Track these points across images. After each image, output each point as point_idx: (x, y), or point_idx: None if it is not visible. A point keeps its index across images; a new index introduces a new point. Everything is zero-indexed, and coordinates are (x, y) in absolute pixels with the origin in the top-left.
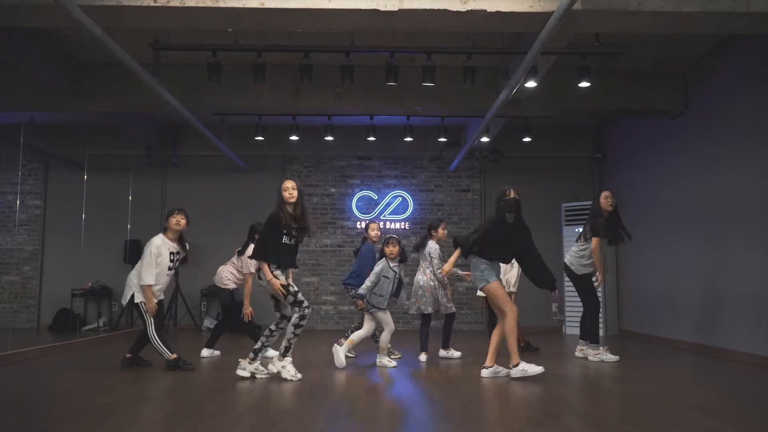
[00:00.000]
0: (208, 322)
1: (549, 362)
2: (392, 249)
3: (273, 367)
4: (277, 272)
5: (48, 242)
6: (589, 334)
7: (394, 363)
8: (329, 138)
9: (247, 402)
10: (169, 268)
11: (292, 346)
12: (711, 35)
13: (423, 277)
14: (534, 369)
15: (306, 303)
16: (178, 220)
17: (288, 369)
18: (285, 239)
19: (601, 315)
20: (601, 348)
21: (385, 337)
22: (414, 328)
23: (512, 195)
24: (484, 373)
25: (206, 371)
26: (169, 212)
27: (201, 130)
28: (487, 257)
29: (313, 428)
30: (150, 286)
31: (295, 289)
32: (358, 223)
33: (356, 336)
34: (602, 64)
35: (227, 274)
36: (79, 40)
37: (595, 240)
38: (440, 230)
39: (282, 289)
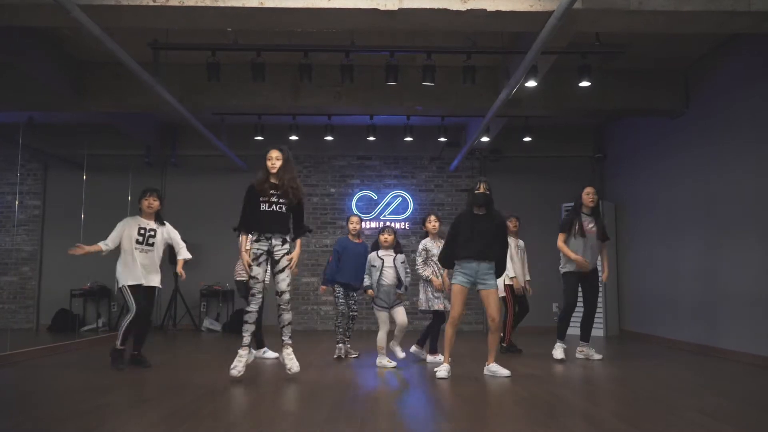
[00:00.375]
0: (208, 323)
1: (550, 363)
2: (386, 237)
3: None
4: (255, 244)
5: (47, 242)
6: (558, 328)
7: (393, 363)
8: (329, 138)
9: (246, 403)
10: (138, 242)
11: (244, 336)
12: (712, 35)
13: None
14: (441, 373)
15: (255, 300)
16: (150, 203)
17: (243, 358)
18: (264, 206)
19: (600, 315)
20: (558, 343)
21: (379, 336)
22: (415, 328)
23: (482, 189)
24: (485, 371)
25: (206, 372)
26: (141, 194)
27: (200, 129)
28: (459, 257)
29: (312, 429)
30: (99, 247)
31: (258, 279)
32: None
33: (391, 336)
34: (603, 64)
35: (239, 266)
36: (78, 39)
37: (560, 235)
38: (427, 224)
39: (248, 267)
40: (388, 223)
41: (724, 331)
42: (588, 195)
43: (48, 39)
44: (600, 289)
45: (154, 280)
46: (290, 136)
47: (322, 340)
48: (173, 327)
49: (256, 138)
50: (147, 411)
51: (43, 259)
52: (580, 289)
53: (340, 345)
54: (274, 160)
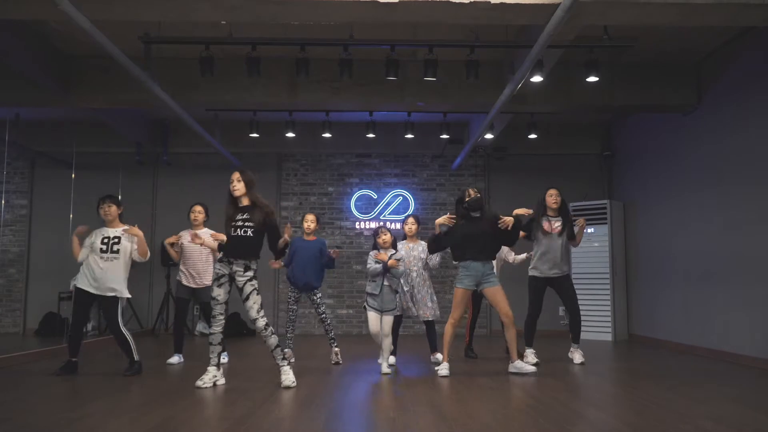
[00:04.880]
0: (201, 327)
1: (556, 367)
2: (384, 238)
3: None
4: (218, 264)
5: (34, 243)
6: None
7: (388, 370)
8: (327, 135)
9: (241, 410)
10: (102, 251)
11: (211, 357)
12: (724, 27)
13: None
14: (443, 371)
15: (217, 321)
16: (105, 211)
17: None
18: (231, 231)
19: (608, 319)
20: (528, 350)
21: (372, 334)
22: (416, 333)
23: (473, 194)
24: (510, 368)
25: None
26: (97, 204)
27: (193, 126)
28: (464, 258)
29: None
30: (77, 251)
31: (219, 301)
32: (357, 223)
33: (385, 346)
34: (611, 58)
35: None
36: (66, 32)
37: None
38: (404, 226)
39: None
40: (381, 224)
41: (736, 334)
42: (551, 197)
43: (35, 32)
44: (576, 290)
45: (115, 290)
46: (287, 132)
47: (320, 345)
48: (165, 331)
49: (251, 135)
50: (138, 418)
51: (30, 261)
52: (555, 295)
53: (337, 349)
54: (236, 182)
